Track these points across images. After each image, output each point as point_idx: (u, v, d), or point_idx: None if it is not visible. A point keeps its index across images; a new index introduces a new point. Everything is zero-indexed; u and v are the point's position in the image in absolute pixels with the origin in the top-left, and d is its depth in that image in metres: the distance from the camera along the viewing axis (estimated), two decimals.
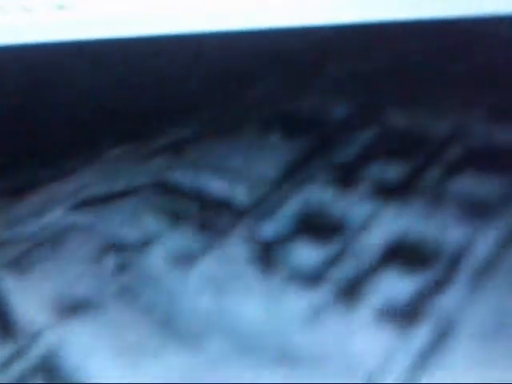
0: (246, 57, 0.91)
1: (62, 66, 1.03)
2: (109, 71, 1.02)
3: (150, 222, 0.79)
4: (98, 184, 0.89)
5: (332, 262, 0.69)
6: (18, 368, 0.67)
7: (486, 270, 0.64)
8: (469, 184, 0.69)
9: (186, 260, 0.75)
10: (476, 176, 0.69)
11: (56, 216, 0.86)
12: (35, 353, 0.68)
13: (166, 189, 0.81)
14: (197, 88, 0.93)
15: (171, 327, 0.69)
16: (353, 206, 0.72)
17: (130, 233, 0.79)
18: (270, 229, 0.74)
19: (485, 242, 0.64)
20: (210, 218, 0.77)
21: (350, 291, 0.67)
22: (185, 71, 0.96)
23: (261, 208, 0.76)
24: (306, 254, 0.71)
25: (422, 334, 0.62)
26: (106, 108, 1.04)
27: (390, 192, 0.72)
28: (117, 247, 0.78)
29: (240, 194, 0.77)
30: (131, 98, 1.02)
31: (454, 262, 0.65)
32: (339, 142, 0.77)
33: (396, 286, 0.66)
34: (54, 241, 0.82)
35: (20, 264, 0.79)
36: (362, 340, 0.63)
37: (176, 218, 0.78)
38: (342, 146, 0.77)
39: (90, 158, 0.97)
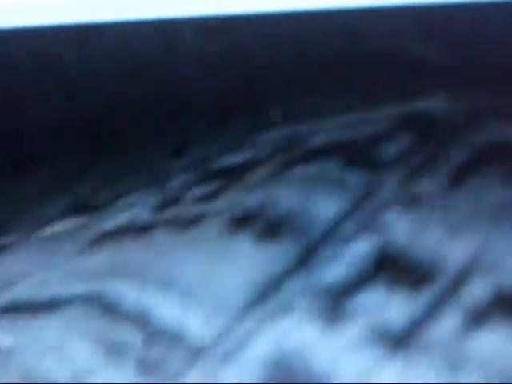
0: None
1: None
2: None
3: (81, 355, 0.61)
4: (27, 281, 0.71)
5: None
6: None
7: None
8: (498, 342, 0.50)
9: None
10: (509, 330, 0.50)
11: None
12: None
13: (102, 306, 0.63)
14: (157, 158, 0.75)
15: None
16: (341, 356, 0.54)
17: (54, 367, 0.61)
18: (231, 376, 0.56)
19: None
20: (156, 356, 0.59)
21: None
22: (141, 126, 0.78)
23: (221, 347, 0.58)
24: None
25: None
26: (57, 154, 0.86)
27: (392, 340, 0.53)
28: None
29: (194, 324, 0.59)
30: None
31: None
32: (325, 255, 0.59)
33: None
34: None
35: None
36: None
37: (113, 351, 0.60)
38: (328, 261, 0.59)
39: (26, 235, 0.80)
